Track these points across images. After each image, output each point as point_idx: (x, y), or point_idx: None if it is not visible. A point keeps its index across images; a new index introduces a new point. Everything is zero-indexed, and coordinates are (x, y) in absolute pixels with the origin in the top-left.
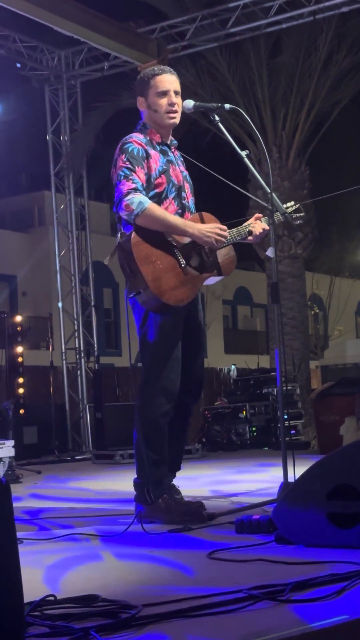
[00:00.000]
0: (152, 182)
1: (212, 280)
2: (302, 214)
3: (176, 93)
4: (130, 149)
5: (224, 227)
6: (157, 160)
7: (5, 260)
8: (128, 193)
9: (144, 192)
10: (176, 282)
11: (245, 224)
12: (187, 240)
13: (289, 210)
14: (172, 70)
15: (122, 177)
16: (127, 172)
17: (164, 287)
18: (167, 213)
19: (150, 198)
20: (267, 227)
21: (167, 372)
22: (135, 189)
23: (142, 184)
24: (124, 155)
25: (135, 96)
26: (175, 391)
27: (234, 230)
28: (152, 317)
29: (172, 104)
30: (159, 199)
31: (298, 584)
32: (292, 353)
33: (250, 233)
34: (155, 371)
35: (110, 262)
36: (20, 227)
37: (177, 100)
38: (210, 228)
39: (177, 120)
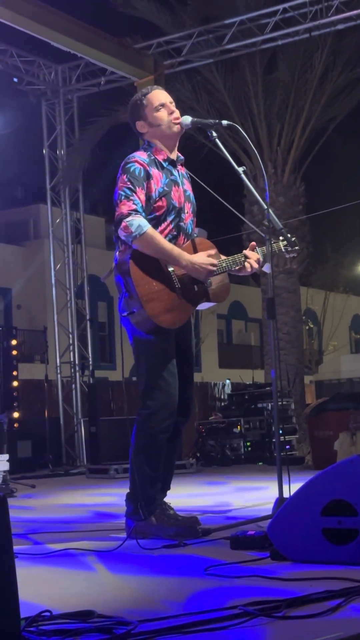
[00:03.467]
0: (151, 203)
1: (204, 305)
2: (296, 248)
3: (171, 103)
4: (132, 169)
5: (214, 262)
6: (158, 181)
7: (0, 273)
8: (129, 214)
9: (143, 213)
10: (170, 305)
11: (241, 254)
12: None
13: (282, 245)
14: (159, 87)
15: (122, 197)
16: (128, 192)
17: (158, 310)
18: (163, 240)
19: (149, 220)
20: (261, 258)
21: (166, 387)
22: (136, 211)
23: (142, 205)
24: (125, 176)
25: (133, 122)
26: (174, 406)
27: (230, 258)
28: (145, 338)
29: (172, 112)
30: (157, 221)
31: (293, 601)
32: (287, 368)
33: (243, 262)
34: (154, 388)
35: (106, 280)
36: (16, 240)
37: (175, 108)
38: (202, 261)
39: (182, 128)
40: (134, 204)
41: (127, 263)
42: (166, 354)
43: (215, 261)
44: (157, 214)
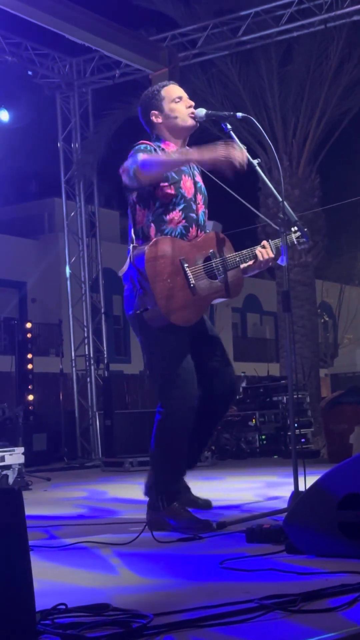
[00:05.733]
0: (161, 189)
1: (216, 301)
2: (305, 240)
3: (187, 99)
4: (142, 147)
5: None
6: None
7: (15, 266)
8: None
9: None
10: (184, 302)
11: (253, 247)
12: (199, 260)
13: (294, 237)
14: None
15: (129, 158)
16: (138, 152)
17: (173, 306)
18: (161, 154)
19: (158, 207)
20: (272, 255)
21: (183, 384)
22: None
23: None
24: (134, 154)
25: (146, 112)
26: (193, 402)
27: (244, 251)
28: (158, 335)
29: (190, 106)
30: (165, 209)
31: (309, 594)
32: (302, 361)
33: (256, 257)
34: (171, 387)
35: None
36: (31, 234)
37: (192, 103)
38: (213, 150)
39: (197, 122)
40: (136, 153)
41: (143, 259)
42: (179, 352)
43: (227, 146)
44: (166, 201)
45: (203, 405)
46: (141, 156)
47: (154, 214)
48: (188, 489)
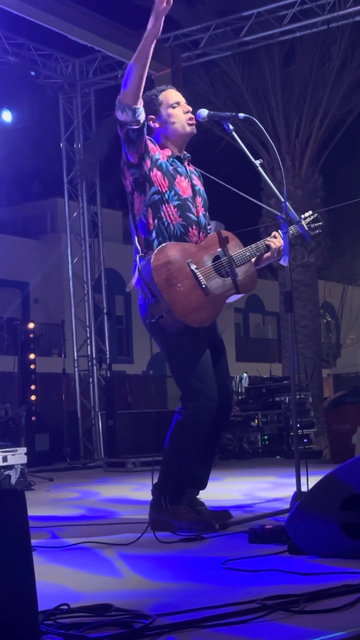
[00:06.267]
0: (150, 167)
1: (232, 298)
2: (320, 223)
3: (185, 104)
4: None
5: None
6: (159, 157)
7: (18, 267)
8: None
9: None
10: (198, 303)
11: (263, 239)
12: (208, 260)
13: (307, 220)
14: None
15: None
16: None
17: (187, 310)
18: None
19: (153, 194)
20: (282, 243)
21: (204, 388)
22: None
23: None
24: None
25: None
26: (214, 407)
27: (253, 245)
28: (177, 340)
29: (187, 112)
30: (161, 199)
31: (312, 595)
32: (305, 361)
33: (268, 247)
34: (192, 390)
35: (130, 288)
36: (33, 234)
37: (190, 109)
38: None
39: (195, 129)
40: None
41: (150, 268)
42: (200, 354)
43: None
44: (161, 189)
45: None
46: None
47: (150, 199)
48: (201, 503)
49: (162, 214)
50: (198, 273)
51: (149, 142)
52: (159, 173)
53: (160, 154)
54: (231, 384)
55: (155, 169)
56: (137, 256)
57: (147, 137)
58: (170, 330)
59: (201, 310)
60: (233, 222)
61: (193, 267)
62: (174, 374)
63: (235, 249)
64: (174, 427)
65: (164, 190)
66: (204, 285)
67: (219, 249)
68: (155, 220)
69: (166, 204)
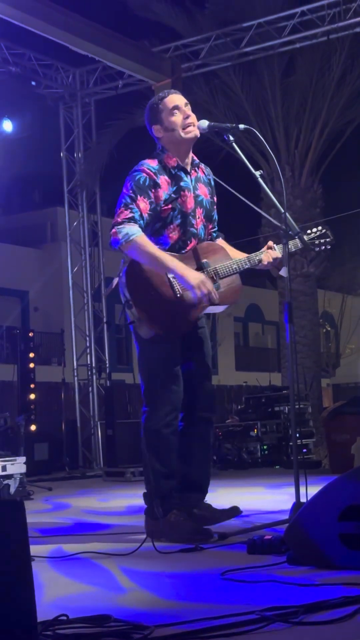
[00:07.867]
0: (158, 210)
1: (216, 309)
2: (329, 239)
3: (186, 104)
4: (137, 178)
5: (208, 287)
6: (167, 188)
7: (18, 275)
8: (122, 222)
9: (141, 221)
10: (171, 312)
11: (258, 252)
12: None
13: (311, 236)
14: (176, 91)
15: (122, 206)
16: (129, 200)
17: (158, 318)
18: (154, 248)
19: (155, 223)
20: (279, 256)
21: (169, 384)
22: (131, 219)
23: (141, 214)
24: (130, 183)
25: (150, 126)
26: (177, 403)
27: (244, 258)
28: (148, 346)
29: (186, 117)
30: (163, 224)
31: (310, 606)
32: (304, 371)
33: (260, 262)
34: (153, 391)
35: (108, 293)
36: (33, 243)
37: (190, 112)
38: (196, 279)
39: (196, 132)
40: (131, 212)
41: (124, 274)
42: (167, 361)
43: (210, 286)
44: (163, 215)
45: (186, 417)
46: (138, 237)
47: (153, 228)
48: (209, 505)
49: (164, 239)
50: (174, 282)
51: (154, 192)
52: (167, 207)
53: (167, 185)
54: (211, 383)
55: (162, 204)
56: (123, 261)
57: (151, 183)
58: (143, 334)
59: (173, 319)
60: (233, 232)
61: (170, 275)
62: (141, 376)
63: (223, 261)
64: (142, 425)
65: (166, 215)
66: (179, 294)
67: (204, 260)
68: (156, 238)
69: (169, 226)
